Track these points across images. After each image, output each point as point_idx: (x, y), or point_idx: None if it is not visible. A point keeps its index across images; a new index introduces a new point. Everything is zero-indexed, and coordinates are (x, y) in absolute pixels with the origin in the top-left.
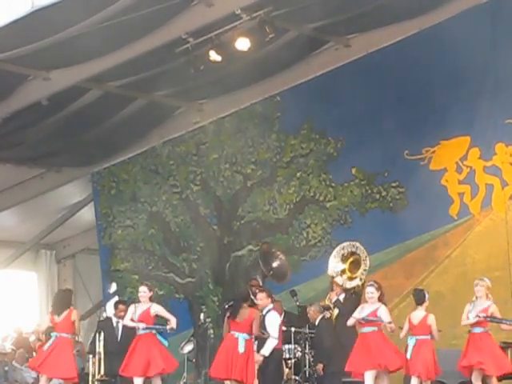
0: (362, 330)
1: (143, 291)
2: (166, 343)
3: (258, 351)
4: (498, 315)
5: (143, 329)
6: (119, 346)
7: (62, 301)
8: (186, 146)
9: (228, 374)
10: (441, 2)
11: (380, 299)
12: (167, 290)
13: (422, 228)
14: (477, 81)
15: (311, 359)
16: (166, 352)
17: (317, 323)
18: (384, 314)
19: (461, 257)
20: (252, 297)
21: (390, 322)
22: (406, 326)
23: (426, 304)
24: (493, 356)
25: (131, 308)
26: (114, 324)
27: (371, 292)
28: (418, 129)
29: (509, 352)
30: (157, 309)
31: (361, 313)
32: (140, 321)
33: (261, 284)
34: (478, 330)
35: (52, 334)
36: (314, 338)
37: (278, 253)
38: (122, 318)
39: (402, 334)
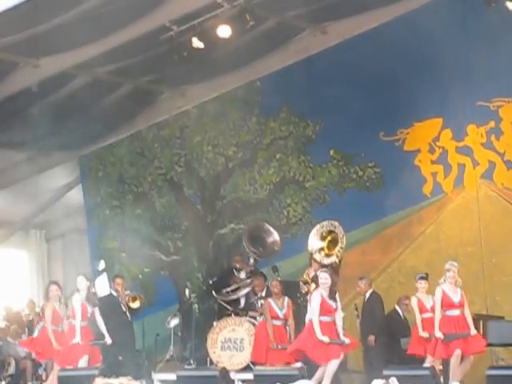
0: None
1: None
2: None
3: None
4: None
5: None
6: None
7: None
8: (170, 130)
9: None
10: None
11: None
12: (153, 268)
13: (398, 206)
14: (449, 65)
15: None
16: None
17: (367, 296)
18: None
19: (435, 233)
20: (235, 271)
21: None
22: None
23: None
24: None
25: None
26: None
27: (325, 278)
28: (392, 111)
29: (481, 323)
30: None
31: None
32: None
33: (251, 261)
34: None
35: None
36: (364, 311)
37: (272, 229)
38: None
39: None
